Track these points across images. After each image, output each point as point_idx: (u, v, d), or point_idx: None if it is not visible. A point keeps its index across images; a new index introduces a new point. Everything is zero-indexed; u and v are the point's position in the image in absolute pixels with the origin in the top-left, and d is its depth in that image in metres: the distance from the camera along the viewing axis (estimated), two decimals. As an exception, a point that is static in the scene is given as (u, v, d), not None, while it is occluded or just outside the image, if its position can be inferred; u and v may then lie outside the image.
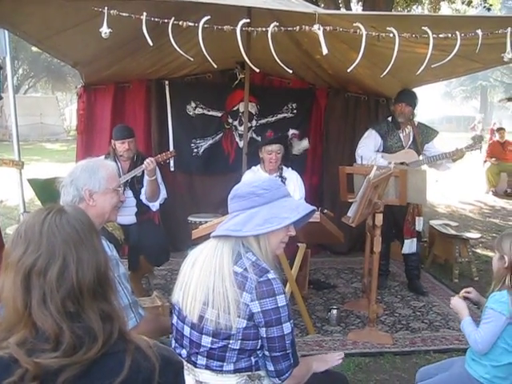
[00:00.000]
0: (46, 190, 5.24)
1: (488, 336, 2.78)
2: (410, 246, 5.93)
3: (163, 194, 5.50)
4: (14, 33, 5.01)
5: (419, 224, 5.99)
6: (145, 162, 5.08)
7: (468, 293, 3.19)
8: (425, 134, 6.05)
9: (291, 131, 5.76)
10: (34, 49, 24.16)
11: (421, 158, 5.95)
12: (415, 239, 5.95)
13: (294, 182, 5.40)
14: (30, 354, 1.32)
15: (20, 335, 1.36)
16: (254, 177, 5.24)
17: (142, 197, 5.40)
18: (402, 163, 5.75)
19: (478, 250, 7.87)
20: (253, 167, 5.55)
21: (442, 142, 6.93)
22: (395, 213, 5.73)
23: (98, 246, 1.51)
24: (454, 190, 13.85)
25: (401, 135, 5.94)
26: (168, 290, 5.66)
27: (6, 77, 7.70)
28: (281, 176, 5.37)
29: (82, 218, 1.53)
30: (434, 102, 60.80)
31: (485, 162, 13.83)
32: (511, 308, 2.74)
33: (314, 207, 2.46)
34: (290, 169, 5.55)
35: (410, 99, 5.89)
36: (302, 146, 5.93)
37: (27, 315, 1.37)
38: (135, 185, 5.37)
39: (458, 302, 3.09)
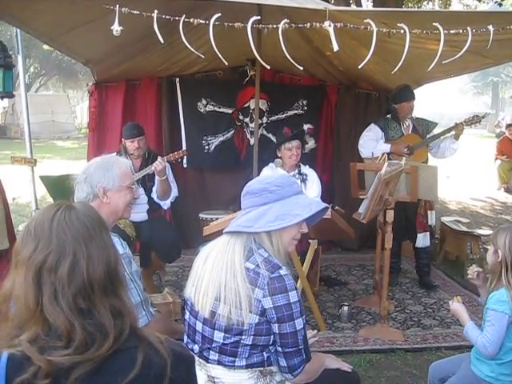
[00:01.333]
0: (58, 187, 5.28)
1: (495, 338, 2.76)
2: (423, 239, 5.93)
3: (174, 192, 5.51)
4: (26, 30, 5.04)
5: (432, 218, 6.01)
6: (154, 163, 5.08)
7: (477, 274, 3.13)
8: (424, 125, 6.10)
9: (306, 126, 5.74)
10: (46, 47, 24.24)
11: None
12: (428, 233, 5.96)
13: (313, 178, 5.42)
14: (42, 352, 1.33)
15: (31, 332, 1.36)
16: (271, 173, 5.24)
17: (154, 195, 5.41)
18: (407, 146, 5.80)
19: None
20: (270, 164, 5.53)
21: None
22: (407, 209, 5.74)
23: (107, 242, 1.51)
24: (466, 186, 13.80)
25: (401, 127, 6.00)
26: (179, 286, 5.69)
27: (17, 75, 7.75)
28: (300, 173, 5.37)
29: (91, 214, 1.54)
30: (445, 98, 60.62)
31: (496, 159, 13.75)
32: None
33: (327, 204, 2.46)
34: (307, 166, 5.55)
35: (411, 95, 5.98)
36: (308, 145, 5.91)
37: (39, 312, 1.38)
38: (147, 182, 5.38)
39: (457, 307, 3.05)
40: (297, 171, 5.37)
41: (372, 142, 5.92)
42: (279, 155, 5.41)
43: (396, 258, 6.05)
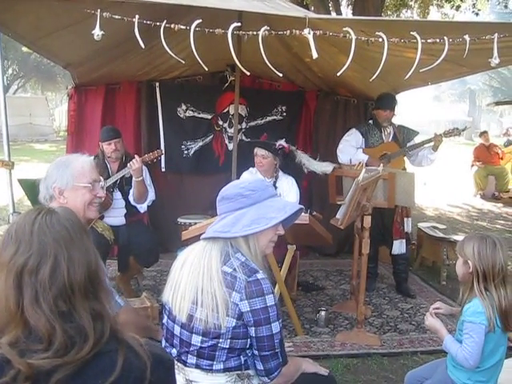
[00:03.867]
0: (36, 189, 5.24)
1: (475, 350, 2.73)
2: (399, 246, 5.96)
3: (151, 195, 5.48)
4: (6, 33, 5.00)
5: (408, 225, 6.04)
6: (130, 162, 5.07)
7: (437, 309, 3.15)
8: (405, 133, 6.12)
9: (279, 142, 5.76)
10: (24, 49, 24.01)
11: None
12: (404, 240, 5.99)
13: (289, 187, 5.39)
14: (22, 355, 1.33)
15: (12, 335, 1.36)
16: (249, 177, 5.26)
17: (130, 198, 5.39)
18: (383, 155, 5.85)
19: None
20: (250, 168, 5.55)
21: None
22: (384, 216, 5.79)
23: (88, 246, 1.52)
24: (442, 192, 13.94)
25: (382, 134, 6.03)
26: (157, 291, 5.68)
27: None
28: (274, 184, 5.36)
29: (72, 218, 1.55)
30: (423, 106, 61.06)
31: (472, 166, 13.93)
32: (488, 315, 2.71)
33: (301, 206, 2.48)
34: (286, 175, 5.53)
35: (393, 104, 6.01)
36: (324, 168, 5.83)
37: (19, 314, 1.38)
38: (124, 186, 5.37)
39: (433, 323, 3.04)
40: (272, 180, 5.38)
41: (351, 149, 5.96)
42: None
43: (373, 263, 6.08)
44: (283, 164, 5.52)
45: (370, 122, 6.14)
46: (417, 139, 6.17)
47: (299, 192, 5.52)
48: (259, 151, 5.34)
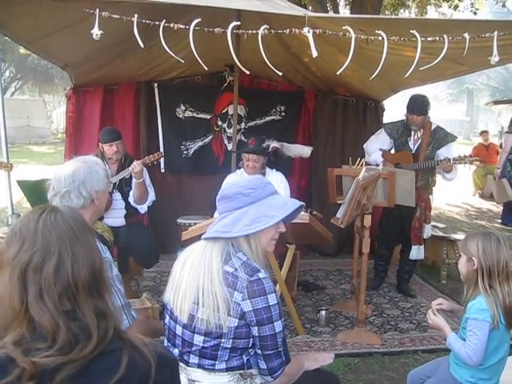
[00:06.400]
0: (36, 191, 5.23)
1: (479, 348, 2.72)
2: (417, 252, 5.85)
3: (151, 196, 5.48)
4: (4, 34, 5.00)
5: (427, 232, 5.88)
6: (131, 165, 5.08)
7: (440, 304, 3.13)
8: (439, 138, 5.77)
9: (272, 145, 5.75)
10: (22, 51, 24.01)
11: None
12: (422, 246, 5.86)
13: (278, 184, 5.39)
14: (26, 353, 1.32)
15: (16, 333, 1.35)
16: (238, 178, 5.26)
17: (131, 199, 5.38)
18: (397, 164, 5.70)
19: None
20: (237, 170, 5.59)
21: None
22: (404, 217, 5.78)
23: (92, 244, 1.52)
24: (441, 192, 13.93)
25: (409, 138, 5.82)
26: (157, 291, 5.67)
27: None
28: None
29: (76, 216, 1.55)
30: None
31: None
32: (492, 312, 2.71)
33: (302, 203, 2.46)
34: (274, 170, 5.59)
35: (421, 109, 5.66)
36: (303, 151, 5.85)
37: (23, 312, 1.37)
38: (123, 187, 5.36)
39: (436, 320, 3.02)
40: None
41: (373, 149, 5.91)
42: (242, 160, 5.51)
43: (384, 260, 6.14)
44: (272, 161, 5.55)
45: (404, 121, 5.88)
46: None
47: (289, 187, 5.58)
48: (251, 156, 5.36)
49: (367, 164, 5.60)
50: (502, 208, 10.94)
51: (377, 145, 5.93)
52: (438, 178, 5.97)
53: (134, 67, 6.35)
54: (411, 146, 5.82)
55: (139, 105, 7.03)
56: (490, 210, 12.08)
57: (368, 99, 7.43)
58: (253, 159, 5.36)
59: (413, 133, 5.81)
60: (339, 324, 5.18)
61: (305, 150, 5.94)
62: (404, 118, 5.88)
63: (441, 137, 5.79)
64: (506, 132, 11.60)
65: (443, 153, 5.71)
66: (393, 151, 5.96)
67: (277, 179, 5.45)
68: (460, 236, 7.36)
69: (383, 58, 3.61)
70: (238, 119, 6.63)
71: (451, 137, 5.89)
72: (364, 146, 6.05)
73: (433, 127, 5.79)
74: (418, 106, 5.68)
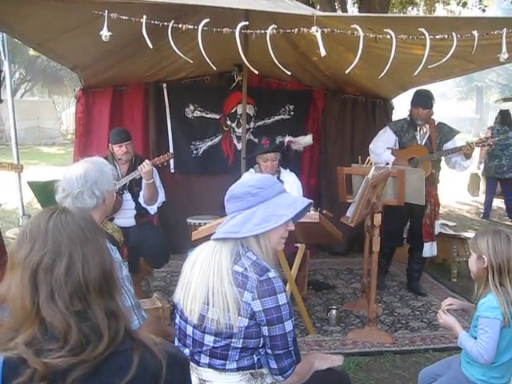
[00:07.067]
0: (46, 192, 5.25)
1: (490, 346, 2.71)
2: (430, 249, 5.88)
3: (161, 197, 5.49)
4: (13, 36, 5.02)
5: (437, 228, 5.97)
6: (140, 165, 5.09)
7: (450, 305, 3.11)
8: (444, 133, 5.86)
9: (287, 138, 5.76)
10: (31, 52, 24.12)
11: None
12: (434, 242, 5.91)
13: (291, 185, 5.42)
14: (38, 354, 1.33)
15: (28, 334, 1.36)
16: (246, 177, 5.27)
17: (141, 200, 5.40)
18: (411, 158, 5.71)
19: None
20: (251, 169, 5.58)
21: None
22: (415, 216, 5.79)
23: (102, 245, 1.53)
24: (452, 190, 13.88)
25: (416, 133, 5.84)
26: (168, 291, 5.68)
27: (3, 79, 7.72)
28: (278, 179, 5.38)
29: (86, 217, 1.56)
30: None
31: (480, 163, 13.84)
32: (503, 309, 2.70)
33: (311, 200, 2.47)
34: (287, 170, 5.59)
35: (427, 102, 5.73)
36: (305, 140, 5.90)
37: (35, 312, 1.38)
38: (134, 188, 5.38)
39: (447, 320, 3.00)
40: (276, 175, 5.39)
41: (380, 149, 5.88)
42: (257, 161, 5.49)
43: (386, 259, 6.11)
44: (285, 157, 5.56)
45: (408, 118, 5.92)
46: (457, 138, 5.98)
47: (301, 186, 5.59)
48: (269, 155, 5.35)
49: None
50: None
51: (383, 144, 5.92)
52: (448, 172, 5.98)
53: (142, 68, 6.36)
54: (419, 141, 5.84)
55: (148, 105, 7.05)
56: (499, 207, 11.99)
57: (377, 98, 7.42)
58: (271, 158, 5.36)
59: (419, 128, 5.83)
60: (350, 323, 5.17)
61: (306, 140, 5.96)
62: (407, 116, 5.94)
63: (446, 131, 5.89)
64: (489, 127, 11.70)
65: (450, 146, 5.79)
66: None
67: (290, 180, 5.49)
68: (470, 234, 7.33)
69: (392, 57, 3.60)
70: (247, 119, 6.63)
71: (455, 131, 6.01)
72: (370, 146, 6.01)
73: (436, 123, 5.88)
74: (423, 99, 5.76)
